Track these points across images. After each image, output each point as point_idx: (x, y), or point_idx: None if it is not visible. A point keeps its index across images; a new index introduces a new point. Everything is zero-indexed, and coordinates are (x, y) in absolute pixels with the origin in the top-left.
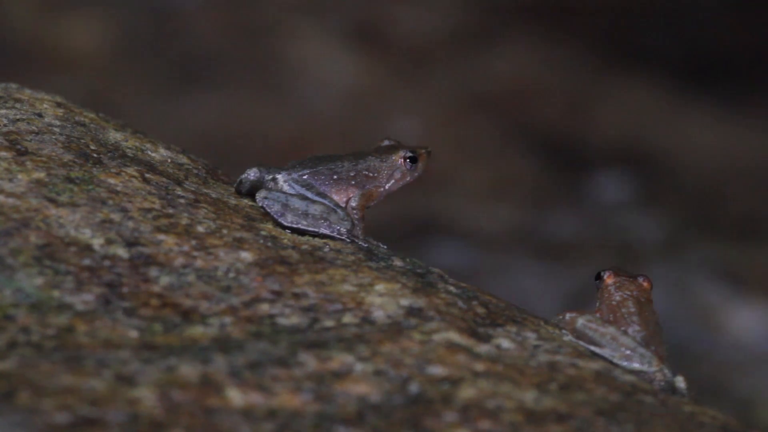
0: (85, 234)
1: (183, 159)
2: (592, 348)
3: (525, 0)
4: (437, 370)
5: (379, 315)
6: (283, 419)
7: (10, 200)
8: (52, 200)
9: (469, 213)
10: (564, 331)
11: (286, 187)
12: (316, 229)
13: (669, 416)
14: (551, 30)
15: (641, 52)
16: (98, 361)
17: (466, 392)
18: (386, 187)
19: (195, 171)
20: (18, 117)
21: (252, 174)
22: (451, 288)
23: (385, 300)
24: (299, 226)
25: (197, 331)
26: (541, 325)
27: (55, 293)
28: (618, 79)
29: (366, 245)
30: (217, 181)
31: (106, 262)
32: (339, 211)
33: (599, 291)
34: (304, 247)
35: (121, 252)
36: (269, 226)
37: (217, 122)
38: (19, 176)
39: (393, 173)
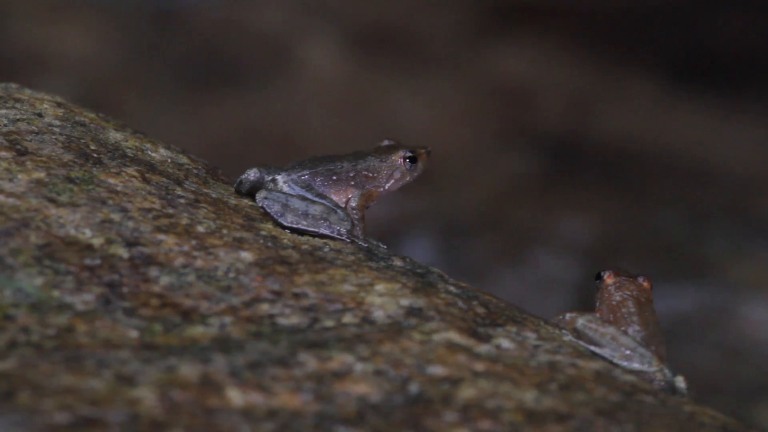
0: (85, 234)
1: (183, 159)
2: (592, 348)
3: (526, 0)
4: (437, 370)
5: (379, 315)
6: (283, 419)
7: (10, 200)
8: (52, 200)
9: (471, 213)
10: (564, 331)
11: (285, 188)
12: (316, 230)
13: (669, 416)
14: (552, 30)
15: (644, 51)
16: (98, 361)
17: (466, 392)
18: (386, 187)
19: (195, 171)
20: (18, 117)
21: (252, 174)
22: (451, 288)
23: (385, 300)
24: (299, 226)
25: (197, 331)
26: (541, 325)
27: (55, 293)
28: (621, 79)
29: (366, 245)
30: (217, 181)
31: (106, 262)
32: (339, 211)
33: (599, 291)
34: (304, 247)
35: (121, 252)
36: (269, 226)
37: (218, 123)
38: (19, 176)
39: (393, 173)
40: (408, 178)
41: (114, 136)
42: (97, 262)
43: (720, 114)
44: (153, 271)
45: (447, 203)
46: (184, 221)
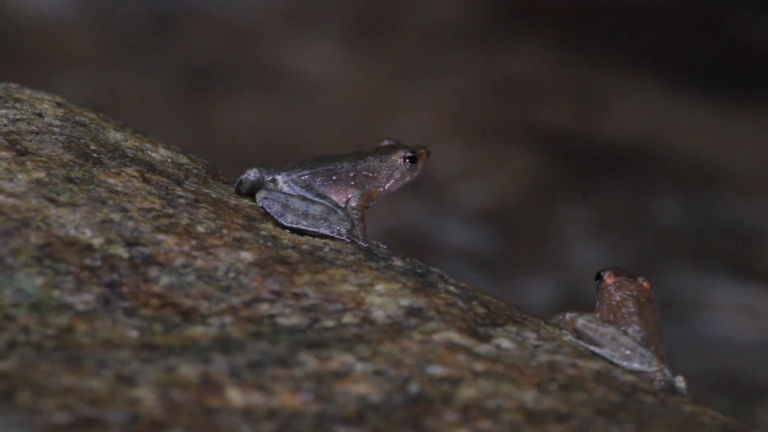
0: (85, 234)
1: (183, 159)
2: (592, 348)
3: None
4: (437, 370)
5: (379, 315)
6: (283, 419)
7: (10, 200)
8: (52, 200)
9: (473, 213)
10: (564, 331)
11: (285, 188)
12: (316, 230)
13: (669, 416)
14: (557, 28)
15: (651, 50)
16: (98, 361)
17: (466, 392)
18: (386, 187)
19: (195, 171)
20: (18, 117)
21: (252, 174)
22: (451, 288)
23: (385, 300)
24: (299, 226)
25: (197, 331)
26: (541, 325)
27: (55, 293)
28: (627, 77)
29: (366, 245)
30: (217, 181)
31: (106, 262)
32: (339, 211)
33: (599, 291)
34: (304, 247)
35: (121, 252)
36: (269, 226)
37: (217, 124)
38: (19, 176)
39: (393, 173)
40: (408, 178)
41: (114, 136)
42: (97, 262)
43: (727, 113)
44: (153, 271)
45: (448, 203)
46: (184, 221)
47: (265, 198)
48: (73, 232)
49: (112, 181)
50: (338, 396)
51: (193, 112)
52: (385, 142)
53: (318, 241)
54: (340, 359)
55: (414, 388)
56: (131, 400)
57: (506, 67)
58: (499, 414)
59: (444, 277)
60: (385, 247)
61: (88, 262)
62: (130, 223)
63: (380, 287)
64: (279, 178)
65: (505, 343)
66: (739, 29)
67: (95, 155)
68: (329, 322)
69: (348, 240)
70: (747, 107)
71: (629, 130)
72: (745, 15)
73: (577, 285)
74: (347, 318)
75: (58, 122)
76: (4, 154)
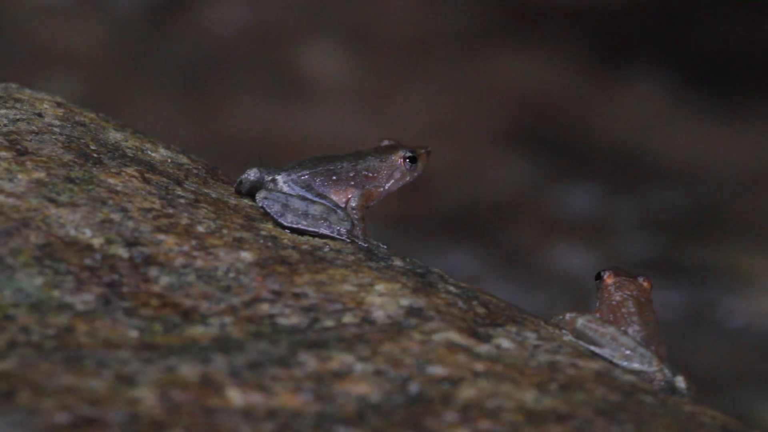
0: (85, 234)
1: (183, 159)
2: (592, 348)
3: (525, 2)
4: (437, 370)
5: (379, 315)
6: (283, 419)
7: (10, 200)
8: (52, 200)
9: (469, 214)
10: (564, 331)
11: (285, 188)
12: (316, 230)
13: (669, 416)
14: (554, 32)
15: (647, 55)
16: (98, 361)
17: (466, 392)
18: (386, 187)
19: (195, 171)
20: (18, 117)
21: (252, 174)
22: (451, 288)
23: (385, 300)
24: (299, 226)
25: (197, 331)
26: (541, 325)
27: (55, 293)
28: (623, 82)
29: (366, 245)
30: (217, 181)
31: (106, 262)
32: (339, 211)
33: (599, 291)
34: (304, 247)
35: (121, 252)
36: (269, 226)
37: (217, 124)
38: (19, 176)
39: (392, 173)
40: (408, 178)
41: (114, 136)
42: (97, 262)
43: (723, 118)
44: (153, 271)
45: (447, 204)
46: (184, 221)
47: (265, 198)
48: (73, 232)
49: (112, 181)
50: (338, 396)
51: (193, 111)
52: (385, 142)
53: (318, 241)
54: (340, 359)
55: (414, 388)
56: (131, 400)
57: (503, 71)
58: (499, 414)
59: (444, 277)
60: (385, 247)
61: (88, 262)
62: (130, 223)
63: (380, 287)
64: (279, 178)
65: (505, 343)
66: (735, 34)
67: (95, 155)
68: (329, 322)
69: (348, 240)
70: (742, 111)
71: (625, 135)
72: (738, 19)
73: (572, 289)
74: (347, 318)
75: (58, 122)
76: (4, 154)
